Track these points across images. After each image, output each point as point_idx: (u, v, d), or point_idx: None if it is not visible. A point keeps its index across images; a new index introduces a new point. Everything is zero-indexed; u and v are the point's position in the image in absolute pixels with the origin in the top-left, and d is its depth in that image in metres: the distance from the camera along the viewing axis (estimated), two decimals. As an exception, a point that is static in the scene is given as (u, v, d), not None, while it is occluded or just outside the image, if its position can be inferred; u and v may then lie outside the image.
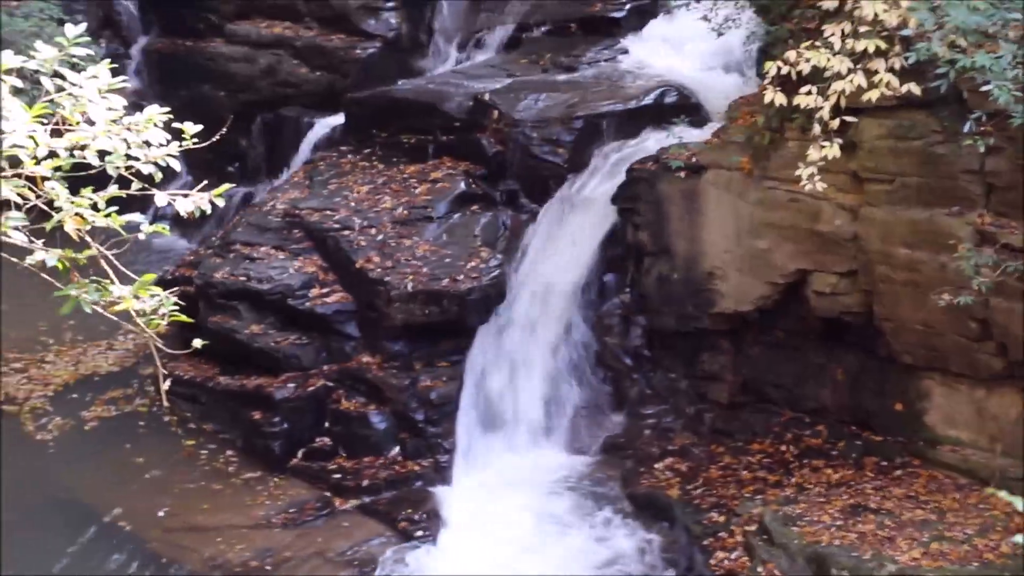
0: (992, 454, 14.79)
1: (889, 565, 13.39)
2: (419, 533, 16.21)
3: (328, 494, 16.85)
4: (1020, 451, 14.50)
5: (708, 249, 16.65)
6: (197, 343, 7.91)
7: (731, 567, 14.37)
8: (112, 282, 7.17)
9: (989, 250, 13.53)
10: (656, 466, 16.74)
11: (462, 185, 18.83)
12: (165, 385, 8.02)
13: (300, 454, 17.36)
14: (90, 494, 16.82)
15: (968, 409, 15.06)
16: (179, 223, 21.74)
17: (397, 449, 17.28)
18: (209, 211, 7.44)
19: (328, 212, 18.83)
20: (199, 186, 7.41)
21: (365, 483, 16.87)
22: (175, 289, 7.82)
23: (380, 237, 18.18)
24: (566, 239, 18.18)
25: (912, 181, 14.53)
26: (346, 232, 18.34)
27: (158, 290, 7.34)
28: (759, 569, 14.08)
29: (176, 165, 7.14)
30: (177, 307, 7.41)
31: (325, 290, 18.05)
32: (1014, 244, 13.57)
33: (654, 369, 17.66)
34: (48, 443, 17.67)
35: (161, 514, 16.47)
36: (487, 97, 19.38)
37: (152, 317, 7.40)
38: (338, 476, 17.04)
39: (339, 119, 21.51)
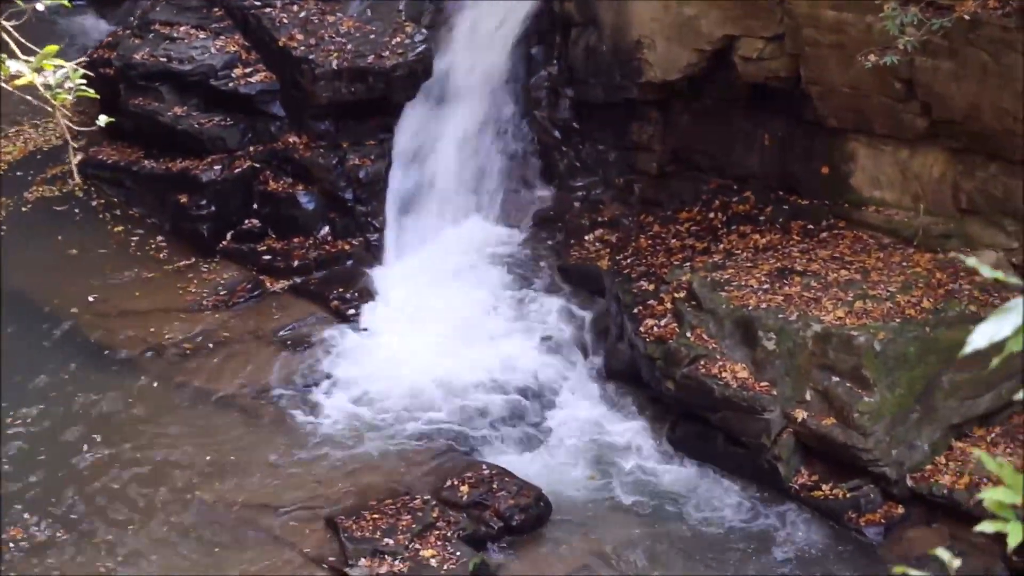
0: (915, 213, 14.98)
1: (814, 325, 13.62)
2: (351, 312, 16.29)
3: (259, 276, 16.85)
4: (941, 209, 14.69)
5: (635, 18, 16.45)
6: (103, 120, 7.71)
7: (661, 334, 14.54)
8: (16, 56, 6.93)
9: (914, 8, 13.43)
10: (586, 238, 16.83)
11: (384, -43, 18.39)
12: (75, 159, 7.86)
13: (229, 237, 17.27)
14: (27, 282, 16.69)
15: (892, 170, 15.18)
16: (95, 2, 21.20)
17: (327, 229, 17.23)
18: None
19: (248, -11, 18.36)
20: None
21: (295, 264, 16.86)
22: (81, 60, 7.58)
23: (302, 14, 17.79)
24: (493, 12, 17.86)
25: (838, -60, 14.34)
26: (267, 9, 17.92)
27: (62, 62, 7.10)
28: (688, 334, 14.28)
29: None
30: (85, 81, 7.19)
31: (248, 70, 17.71)
32: (939, 1, 13.48)
33: (583, 141, 17.59)
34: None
35: (94, 300, 16.43)
36: None
37: (59, 92, 7.17)
38: (268, 257, 17.02)
39: None
